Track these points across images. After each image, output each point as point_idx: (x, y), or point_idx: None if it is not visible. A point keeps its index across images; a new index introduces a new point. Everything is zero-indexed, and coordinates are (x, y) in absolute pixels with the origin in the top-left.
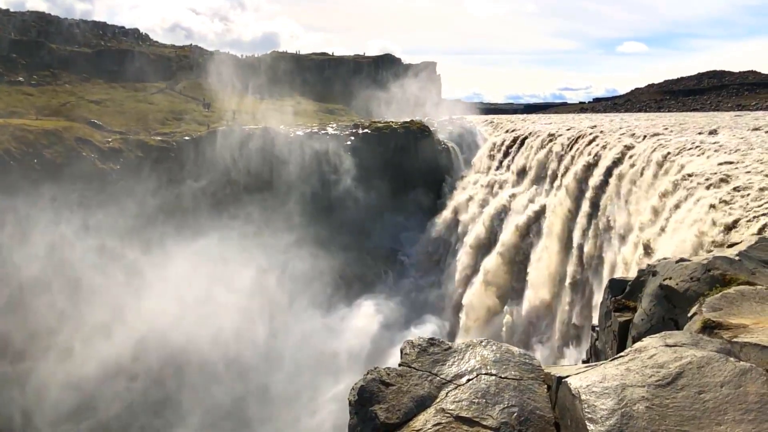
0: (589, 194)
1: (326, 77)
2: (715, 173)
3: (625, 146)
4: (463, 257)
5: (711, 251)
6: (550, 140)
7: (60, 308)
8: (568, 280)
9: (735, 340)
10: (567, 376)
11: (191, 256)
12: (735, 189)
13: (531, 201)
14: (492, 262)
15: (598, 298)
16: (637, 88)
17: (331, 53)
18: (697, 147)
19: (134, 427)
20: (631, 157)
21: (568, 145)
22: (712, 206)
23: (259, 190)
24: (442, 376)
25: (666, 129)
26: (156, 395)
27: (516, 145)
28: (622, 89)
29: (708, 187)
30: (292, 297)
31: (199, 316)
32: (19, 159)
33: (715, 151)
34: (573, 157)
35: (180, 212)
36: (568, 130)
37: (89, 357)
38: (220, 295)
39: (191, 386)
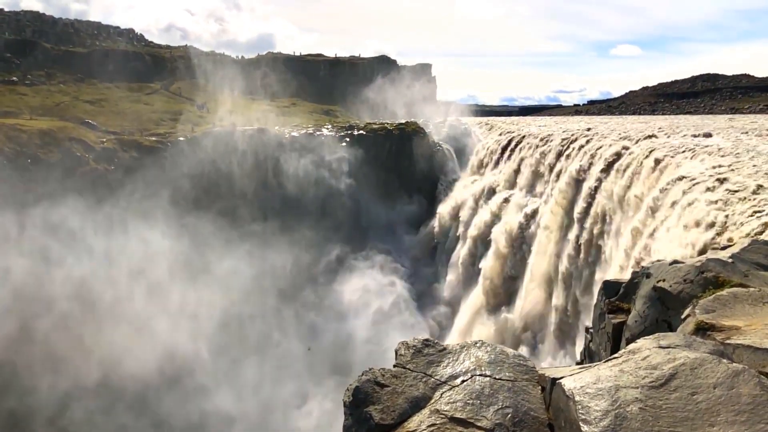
0: (583, 196)
1: (322, 78)
2: (709, 176)
3: (620, 149)
4: (458, 258)
5: (704, 253)
6: (545, 142)
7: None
8: (562, 282)
9: (728, 341)
10: (561, 378)
11: (181, 255)
12: (728, 191)
13: (526, 203)
14: (487, 264)
15: (592, 299)
16: (631, 91)
17: (331, 55)
18: (690, 150)
19: None
20: (625, 159)
21: (562, 148)
22: (706, 208)
23: (252, 191)
24: (436, 377)
25: (660, 131)
26: None
27: (510, 147)
28: (616, 92)
29: (701, 190)
30: (287, 295)
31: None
32: (13, 159)
33: (709, 153)
34: (567, 160)
35: (173, 211)
36: (563, 132)
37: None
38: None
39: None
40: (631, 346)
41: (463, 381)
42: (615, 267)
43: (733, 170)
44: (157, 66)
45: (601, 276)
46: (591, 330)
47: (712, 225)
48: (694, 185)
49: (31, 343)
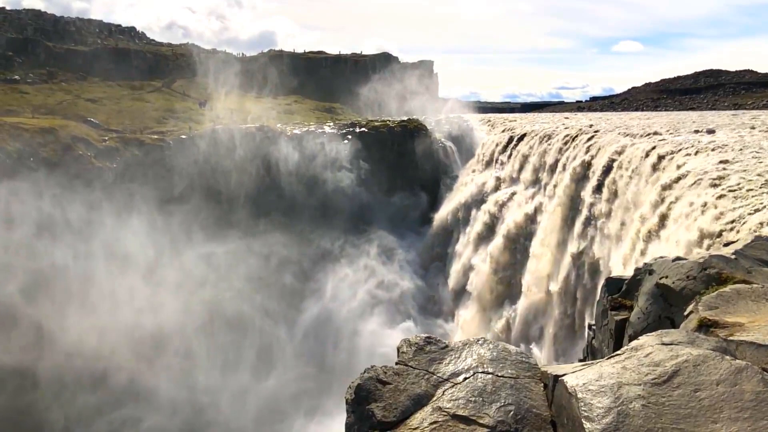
0: (585, 193)
1: (323, 76)
2: (712, 171)
3: (622, 145)
4: (461, 255)
5: (708, 250)
6: (547, 139)
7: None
8: (564, 278)
9: (731, 338)
10: (563, 375)
11: (182, 254)
12: (731, 187)
13: (528, 200)
14: (489, 261)
15: (594, 296)
16: (633, 87)
17: (337, 52)
18: (693, 146)
19: None
20: (628, 155)
21: (564, 144)
22: (709, 204)
23: (253, 188)
24: (438, 375)
25: (663, 127)
26: None
27: (513, 144)
28: (619, 88)
29: (705, 186)
30: (284, 292)
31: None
32: (15, 157)
33: (712, 150)
34: (569, 156)
35: (173, 211)
36: (565, 128)
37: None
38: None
39: None
40: (634, 342)
41: (465, 378)
42: (618, 263)
43: (735, 166)
44: (159, 64)
45: (603, 272)
46: (593, 327)
47: (715, 221)
48: (696, 181)
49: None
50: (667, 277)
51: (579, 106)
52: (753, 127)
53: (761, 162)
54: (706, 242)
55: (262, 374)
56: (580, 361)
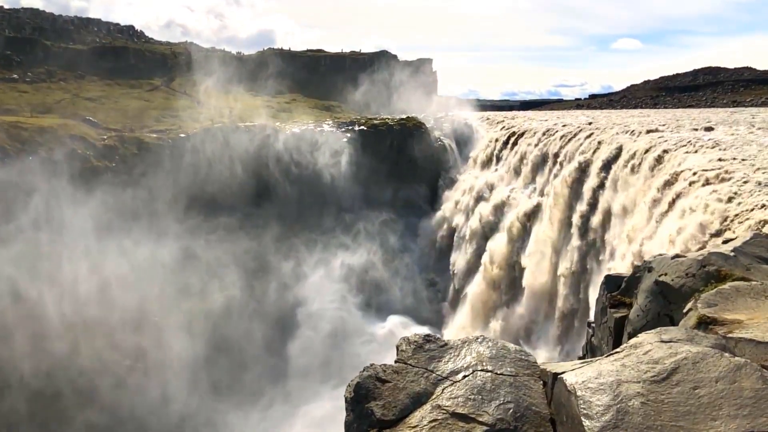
0: (585, 190)
1: (322, 74)
2: (711, 169)
3: (621, 143)
4: (460, 254)
5: (707, 247)
6: (546, 136)
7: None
8: (564, 276)
9: (730, 335)
10: (563, 373)
11: (174, 253)
12: (730, 185)
13: (527, 197)
14: (488, 258)
15: (594, 294)
16: (632, 85)
17: (338, 51)
18: (692, 143)
19: None
20: (627, 153)
21: (563, 142)
22: (708, 202)
23: (252, 187)
24: (438, 373)
25: (662, 125)
26: None
27: (512, 142)
28: (617, 86)
29: (703, 184)
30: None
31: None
32: (14, 156)
33: (711, 147)
34: (569, 154)
35: (172, 208)
36: (564, 126)
37: None
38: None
39: None
40: (633, 340)
41: (464, 376)
42: (617, 261)
43: (734, 164)
44: (158, 62)
45: (603, 270)
46: (593, 324)
47: (714, 218)
48: (695, 179)
49: None
50: (666, 274)
51: (578, 104)
52: (752, 125)
53: (759, 159)
54: (705, 239)
55: (234, 364)
56: (580, 358)
